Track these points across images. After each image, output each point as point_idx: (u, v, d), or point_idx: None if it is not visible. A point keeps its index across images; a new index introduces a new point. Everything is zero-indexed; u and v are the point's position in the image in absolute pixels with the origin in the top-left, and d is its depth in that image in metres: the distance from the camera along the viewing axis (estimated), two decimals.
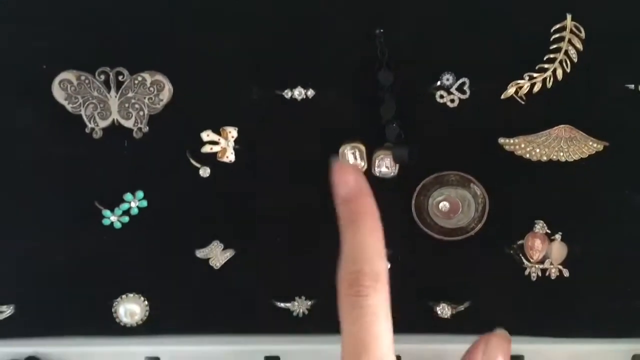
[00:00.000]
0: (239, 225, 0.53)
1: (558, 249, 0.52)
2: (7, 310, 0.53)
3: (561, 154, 0.51)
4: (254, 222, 0.53)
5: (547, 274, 0.52)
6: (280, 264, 0.53)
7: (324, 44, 0.51)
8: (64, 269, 0.53)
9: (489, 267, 0.52)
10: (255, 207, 0.52)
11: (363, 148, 0.51)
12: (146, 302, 0.53)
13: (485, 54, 0.51)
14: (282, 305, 0.53)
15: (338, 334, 0.38)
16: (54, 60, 0.51)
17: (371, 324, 0.36)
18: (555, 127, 0.50)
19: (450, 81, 0.51)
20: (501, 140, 0.51)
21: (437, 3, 0.51)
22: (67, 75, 0.51)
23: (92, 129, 0.52)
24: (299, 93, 0.51)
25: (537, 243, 0.51)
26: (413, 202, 0.52)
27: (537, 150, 0.51)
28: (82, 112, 0.52)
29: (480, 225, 0.52)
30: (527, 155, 0.51)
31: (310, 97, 0.51)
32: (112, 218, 0.52)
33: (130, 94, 0.51)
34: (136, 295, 0.53)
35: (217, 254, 0.53)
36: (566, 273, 0.52)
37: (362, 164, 0.51)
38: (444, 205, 0.51)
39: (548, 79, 0.50)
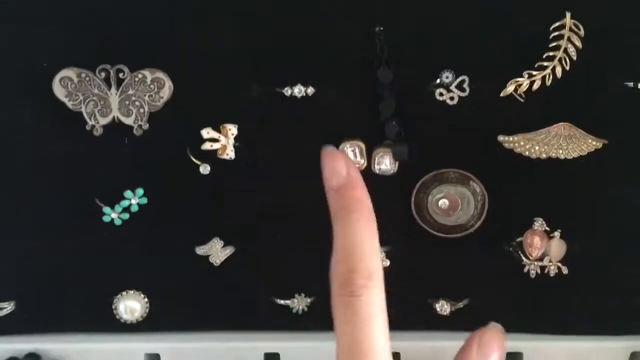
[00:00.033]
0: (239, 222, 0.53)
1: (557, 247, 0.52)
2: (8, 307, 0.53)
3: (560, 151, 0.51)
4: (254, 219, 0.53)
5: (546, 271, 0.52)
6: (280, 261, 0.53)
7: (324, 42, 0.51)
8: (64, 265, 0.53)
9: (488, 265, 0.52)
10: (255, 204, 0.52)
11: (363, 145, 0.51)
12: (146, 299, 0.53)
13: (484, 52, 0.51)
14: (281, 302, 0.53)
15: None
16: (54, 57, 0.51)
17: (365, 324, 0.34)
18: (555, 125, 0.51)
19: (450, 79, 0.51)
20: (500, 138, 0.51)
21: (437, 1, 0.51)
22: (68, 72, 0.51)
23: (93, 126, 0.52)
24: (298, 91, 0.51)
25: (536, 240, 0.51)
26: (412, 199, 0.52)
27: (537, 147, 0.51)
28: (83, 110, 0.52)
29: (479, 223, 0.52)
30: (527, 153, 0.51)
31: (310, 95, 0.51)
32: (113, 215, 0.53)
33: (130, 92, 0.51)
34: (136, 292, 0.53)
35: (217, 251, 0.53)
36: (565, 270, 0.52)
37: (362, 162, 0.51)
38: (444, 202, 0.51)
39: (547, 76, 0.50)
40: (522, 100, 0.51)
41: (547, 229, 0.52)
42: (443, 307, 0.52)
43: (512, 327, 0.51)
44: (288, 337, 0.53)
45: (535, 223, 0.52)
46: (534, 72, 0.50)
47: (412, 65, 0.51)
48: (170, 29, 0.51)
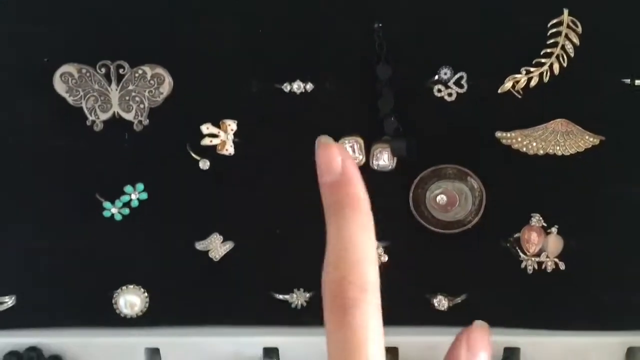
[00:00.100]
0: (238, 217, 0.53)
1: (554, 242, 0.52)
2: (9, 301, 0.54)
3: (558, 147, 0.51)
4: (253, 214, 0.53)
5: (543, 267, 0.52)
6: (279, 256, 0.53)
7: (323, 38, 0.51)
8: (64, 260, 0.53)
9: (485, 260, 0.53)
10: (255, 199, 0.53)
11: (361, 141, 0.51)
12: (146, 294, 0.54)
13: (483, 48, 0.51)
14: (280, 297, 0.53)
15: None
16: (55, 53, 0.51)
17: (359, 338, 0.30)
18: (552, 121, 0.51)
19: (448, 75, 0.51)
20: (498, 134, 0.51)
21: None
22: (68, 68, 0.51)
23: (93, 122, 0.52)
24: (298, 87, 0.51)
25: (534, 236, 0.52)
26: (411, 195, 0.52)
27: (534, 144, 0.51)
28: (83, 105, 0.52)
29: (477, 219, 0.52)
30: (524, 149, 0.51)
31: (309, 91, 0.52)
32: (113, 210, 0.53)
33: (130, 87, 0.52)
34: (136, 286, 0.54)
35: (216, 246, 0.53)
36: (562, 266, 0.52)
37: (361, 157, 0.51)
38: (442, 198, 0.52)
39: (545, 73, 0.50)
40: (519, 97, 0.51)
41: (545, 224, 0.52)
42: (441, 303, 0.53)
43: (509, 322, 0.52)
44: (287, 331, 0.53)
45: (532, 219, 0.52)
46: (532, 69, 0.51)
47: (410, 61, 0.51)
48: (170, 25, 0.51)
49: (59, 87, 0.52)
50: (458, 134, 0.52)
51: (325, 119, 0.52)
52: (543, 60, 0.50)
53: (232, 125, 0.52)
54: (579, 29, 0.50)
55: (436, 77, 0.51)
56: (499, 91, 0.51)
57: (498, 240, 0.52)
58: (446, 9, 0.51)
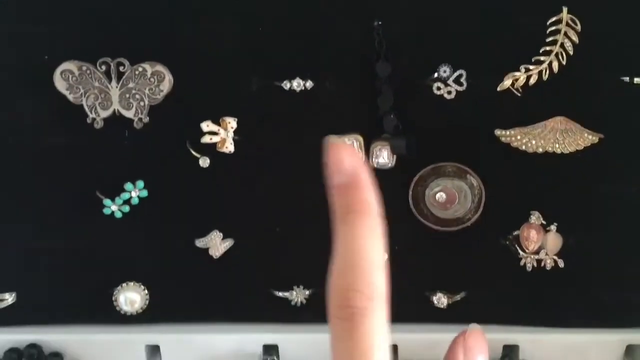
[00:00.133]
0: (238, 215, 0.53)
1: (553, 240, 0.52)
2: (9, 298, 0.54)
3: (557, 145, 0.51)
4: (253, 212, 0.53)
5: (542, 264, 0.52)
6: (279, 253, 0.53)
7: (323, 36, 0.51)
8: (65, 257, 0.53)
9: (485, 258, 0.53)
10: (254, 197, 0.53)
11: (361, 139, 0.52)
12: (146, 291, 0.54)
13: (482, 46, 0.51)
14: (280, 294, 0.53)
15: None
16: (55, 50, 0.52)
17: (364, 348, 0.30)
18: (551, 119, 0.51)
19: (448, 73, 0.51)
20: (497, 132, 0.51)
21: None
22: (69, 65, 0.52)
23: (93, 119, 0.52)
24: (297, 84, 0.52)
25: (533, 234, 0.52)
26: (410, 192, 0.52)
27: (533, 141, 0.51)
28: (84, 102, 0.52)
29: (476, 216, 0.52)
30: (523, 147, 0.51)
31: (309, 89, 0.52)
32: (113, 207, 0.53)
33: (131, 85, 0.52)
34: (136, 283, 0.54)
35: (216, 244, 0.53)
36: (561, 264, 0.52)
37: (360, 155, 0.52)
38: (441, 196, 0.52)
39: (544, 71, 0.51)
40: (519, 95, 0.51)
41: (544, 222, 0.52)
42: (440, 300, 0.53)
43: (509, 319, 0.52)
44: (286, 328, 0.53)
45: (531, 216, 0.52)
46: (531, 67, 0.51)
47: (410, 59, 0.51)
48: (171, 23, 0.51)
49: (60, 84, 0.52)
50: (457, 131, 0.52)
51: (325, 116, 0.52)
52: (542, 58, 0.51)
53: (232, 122, 0.52)
54: (578, 27, 0.50)
55: (435, 74, 0.51)
56: (498, 89, 0.51)
57: (497, 238, 0.53)
58: (445, 7, 0.51)
